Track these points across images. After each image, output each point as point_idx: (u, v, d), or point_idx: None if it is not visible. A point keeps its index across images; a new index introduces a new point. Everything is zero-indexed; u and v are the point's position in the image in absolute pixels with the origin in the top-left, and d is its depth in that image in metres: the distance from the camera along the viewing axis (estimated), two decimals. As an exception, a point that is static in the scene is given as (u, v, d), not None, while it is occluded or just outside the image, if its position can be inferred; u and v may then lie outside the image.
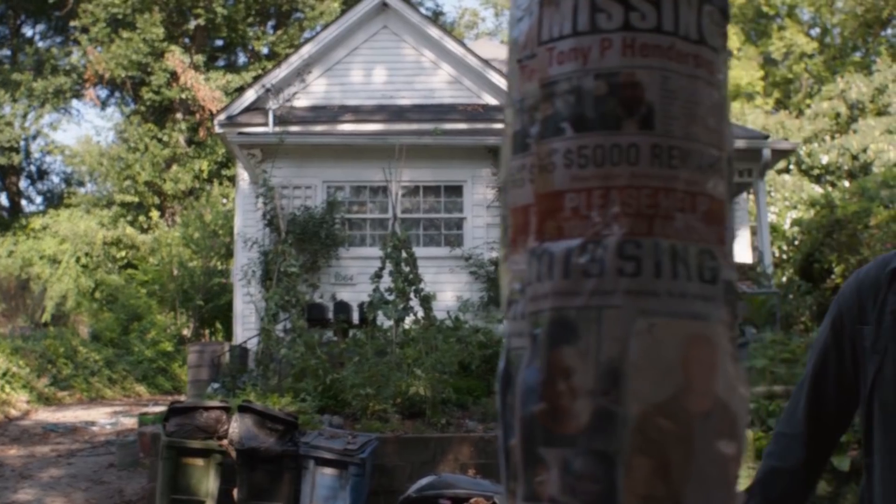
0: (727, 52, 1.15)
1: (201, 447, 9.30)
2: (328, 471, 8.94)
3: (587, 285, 1.02)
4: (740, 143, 17.35)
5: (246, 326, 16.66)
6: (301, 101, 18.37)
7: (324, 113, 18.22)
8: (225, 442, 9.35)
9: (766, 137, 19.17)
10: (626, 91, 1.05)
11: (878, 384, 2.32)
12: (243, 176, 17.84)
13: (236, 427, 9.18)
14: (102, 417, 17.64)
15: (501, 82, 16.85)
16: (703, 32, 1.09)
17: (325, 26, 20.30)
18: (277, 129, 17.41)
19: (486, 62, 18.37)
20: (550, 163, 1.07)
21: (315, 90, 18.56)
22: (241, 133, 17.24)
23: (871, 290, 2.41)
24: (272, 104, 17.84)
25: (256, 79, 20.07)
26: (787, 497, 2.50)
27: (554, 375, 1.02)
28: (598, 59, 1.06)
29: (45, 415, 18.17)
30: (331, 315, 14.78)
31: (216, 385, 13.23)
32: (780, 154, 18.19)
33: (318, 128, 17.89)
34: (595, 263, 1.01)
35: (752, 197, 19.64)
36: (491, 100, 18.04)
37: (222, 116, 18.39)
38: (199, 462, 9.32)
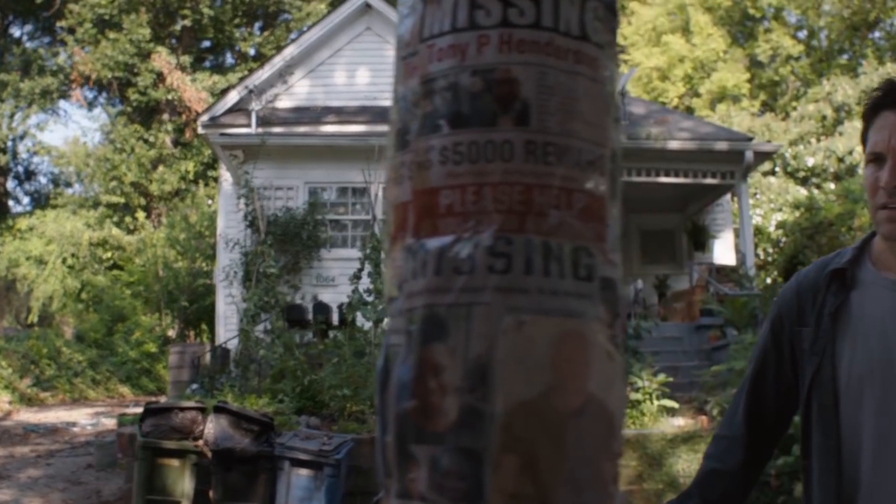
0: (615, 48, 1.14)
1: (176, 448, 9.28)
2: (303, 472, 8.92)
3: (458, 282, 1.01)
4: (722, 146, 17.43)
5: (228, 327, 16.63)
6: (284, 103, 18.37)
7: (307, 114, 18.22)
8: (200, 442, 9.33)
9: (750, 139, 19.21)
10: (502, 87, 1.05)
11: (815, 385, 2.32)
12: (226, 177, 17.84)
13: (211, 428, 9.17)
14: (84, 418, 17.60)
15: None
16: (585, 28, 1.08)
17: (309, 28, 20.29)
18: (260, 130, 17.41)
19: (471, 64, 18.34)
20: (427, 160, 1.07)
21: (298, 91, 18.56)
22: (223, 134, 17.23)
23: (810, 292, 2.41)
24: (255, 105, 17.82)
25: (241, 80, 20.05)
26: (727, 498, 2.51)
27: (424, 372, 1.01)
28: (475, 56, 1.06)
29: (27, 415, 18.13)
30: (310, 316, 14.76)
31: (195, 386, 13.21)
32: (762, 156, 18.25)
33: (301, 129, 17.89)
34: (466, 261, 1.01)
35: (735, 199, 19.66)
36: (475, 101, 18.01)
37: (205, 117, 18.39)
38: (175, 462, 9.29)
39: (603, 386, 1.03)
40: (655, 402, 11.48)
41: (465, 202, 1.03)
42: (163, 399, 16.56)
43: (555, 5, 1.06)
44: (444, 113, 1.06)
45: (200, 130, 18.68)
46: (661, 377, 11.76)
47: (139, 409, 14.99)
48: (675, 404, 11.55)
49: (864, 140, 2.35)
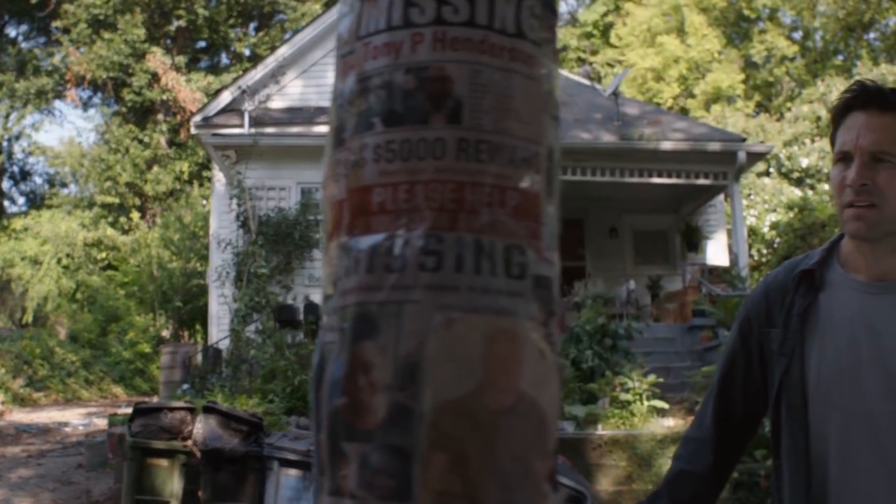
0: (554, 45, 1.14)
1: (165, 448, 9.27)
2: (292, 472, 8.90)
3: (389, 280, 1.01)
4: (715, 146, 17.43)
5: (221, 328, 16.59)
6: (277, 103, 18.36)
7: (299, 114, 18.20)
8: (189, 443, 9.32)
9: (743, 140, 19.21)
10: (435, 85, 1.05)
11: (784, 386, 2.33)
12: (219, 177, 17.82)
13: (200, 428, 9.16)
14: (76, 418, 17.61)
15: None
16: (521, 26, 1.08)
17: (302, 28, 20.29)
18: (253, 130, 17.39)
19: (464, 63, 18.35)
20: (362, 158, 1.07)
21: (291, 92, 18.55)
22: (215, 134, 17.20)
23: (779, 293, 2.42)
24: (248, 105, 17.80)
25: (234, 80, 20.02)
26: (696, 498, 2.52)
27: (355, 370, 1.02)
28: (409, 54, 1.06)
29: (20, 416, 18.13)
30: (301, 316, 14.73)
31: (186, 386, 13.21)
32: (755, 157, 18.22)
33: (294, 129, 17.88)
34: (397, 258, 1.01)
35: (728, 200, 19.65)
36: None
37: (198, 118, 18.39)
38: (164, 463, 9.28)
39: (535, 384, 1.03)
40: (646, 403, 11.49)
41: (397, 200, 1.03)
42: (155, 399, 16.55)
43: (490, 3, 1.07)
44: (379, 111, 1.07)
45: (193, 131, 18.68)
46: (652, 378, 11.77)
47: (131, 410, 15.04)
48: (665, 405, 11.56)
49: (832, 141, 2.36)
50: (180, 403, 9.78)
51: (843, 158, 2.28)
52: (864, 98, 2.29)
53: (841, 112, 2.33)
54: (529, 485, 1.03)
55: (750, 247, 23.54)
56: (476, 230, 1.02)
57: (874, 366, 2.21)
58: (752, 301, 2.53)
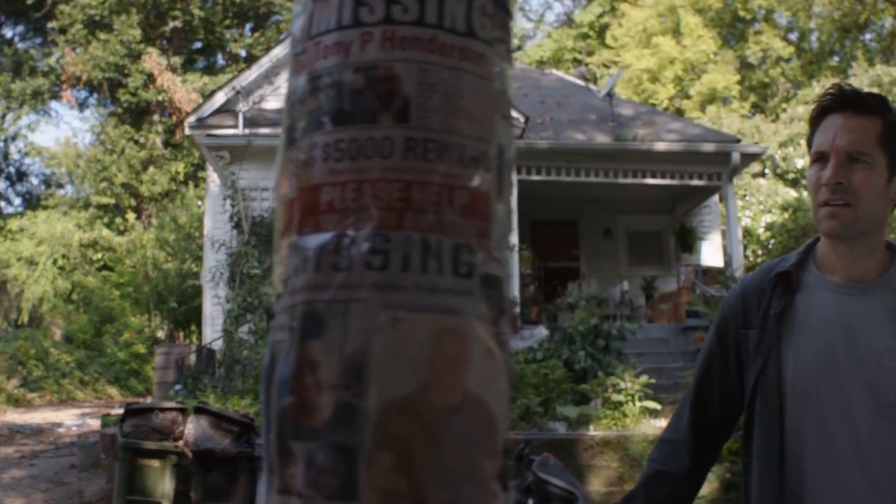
0: (507, 44, 1.14)
1: (157, 448, 9.23)
2: (283, 472, 8.88)
3: (336, 279, 1.01)
4: (709, 147, 17.43)
5: (215, 328, 16.56)
6: (271, 104, 18.33)
7: (294, 115, 18.17)
8: (181, 443, 9.29)
9: (737, 141, 19.22)
10: (384, 84, 1.05)
11: (760, 385, 2.34)
12: (213, 178, 17.81)
13: (192, 428, 9.13)
14: (70, 419, 17.58)
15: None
16: (472, 25, 1.09)
17: (298, 28, 20.26)
18: (247, 131, 17.36)
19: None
20: (311, 157, 1.07)
21: (285, 92, 18.48)
22: (209, 135, 17.18)
23: (755, 295, 2.43)
24: (242, 106, 17.77)
25: (228, 81, 20.00)
26: (672, 499, 2.52)
27: (302, 369, 1.02)
28: (358, 53, 1.06)
29: (14, 416, 18.11)
30: (295, 317, 14.67)
31: (178, 387, 13.19)
32: (749, 157, 18.22)
33: (288, 130, 17.83)
34: (344, 257, 1.01)
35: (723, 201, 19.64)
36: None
37: (192, 118, 18.35)
38: (155, 463, 9.25)
39: (482, 383, 1.03)
40: (638, 404, 11.49)
41: (345, 199, 1.03)
42: (149, 400, 16.54)
43: (439, 2, 1.07)
44: (328, 110, 1.07)
45: (187, 131, 18.64)
46: (644, 378, 11.77)
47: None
48: (657, 405, 11.55)
49: (809, 143, 2.38)
50: (171, 404, 9.74)
51: (819, 159, 2.30)
52: (841, 101, 2.31)
53: (818, 115, 2.35)
54: (477, 484, 1.02)
55: (745, 248, 23.55)
56: (423, 229, 1.02)
57: (852, 367, 2.22)
58: (728, 303, 2.54)
